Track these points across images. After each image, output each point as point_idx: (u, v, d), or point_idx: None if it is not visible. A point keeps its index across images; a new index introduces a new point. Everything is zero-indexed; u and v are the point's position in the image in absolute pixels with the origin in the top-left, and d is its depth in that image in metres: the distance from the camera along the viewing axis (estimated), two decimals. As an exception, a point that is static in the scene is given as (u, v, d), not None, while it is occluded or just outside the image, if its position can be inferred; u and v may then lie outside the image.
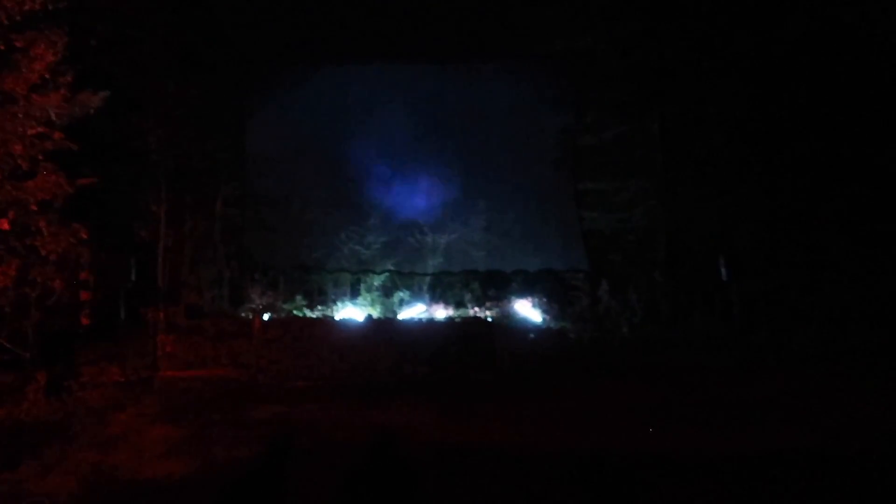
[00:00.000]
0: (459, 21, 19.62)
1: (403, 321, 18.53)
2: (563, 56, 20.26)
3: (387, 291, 20.02)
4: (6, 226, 10.17)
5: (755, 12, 14.61)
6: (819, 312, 13.00)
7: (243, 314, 18.41)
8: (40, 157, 10.60)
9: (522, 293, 19.61)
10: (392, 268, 20.74)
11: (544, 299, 19.29)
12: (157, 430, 8.08)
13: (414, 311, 19.42)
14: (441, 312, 19.34)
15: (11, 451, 6.61)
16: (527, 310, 19.14)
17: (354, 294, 20.03)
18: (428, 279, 20.48)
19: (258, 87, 21.34)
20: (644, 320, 16.56)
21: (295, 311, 18.80)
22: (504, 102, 21.16)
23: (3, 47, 9.89)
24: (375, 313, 18.88)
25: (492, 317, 18.75)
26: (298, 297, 19.37)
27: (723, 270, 13.45)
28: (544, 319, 18.58)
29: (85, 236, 10.96)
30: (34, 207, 10.32)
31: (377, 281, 20.17)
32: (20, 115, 9.94)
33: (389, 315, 18.99)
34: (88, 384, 10.41)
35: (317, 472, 6.61)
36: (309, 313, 18.98)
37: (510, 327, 16.93)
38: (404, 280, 20.44)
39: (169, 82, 17.18)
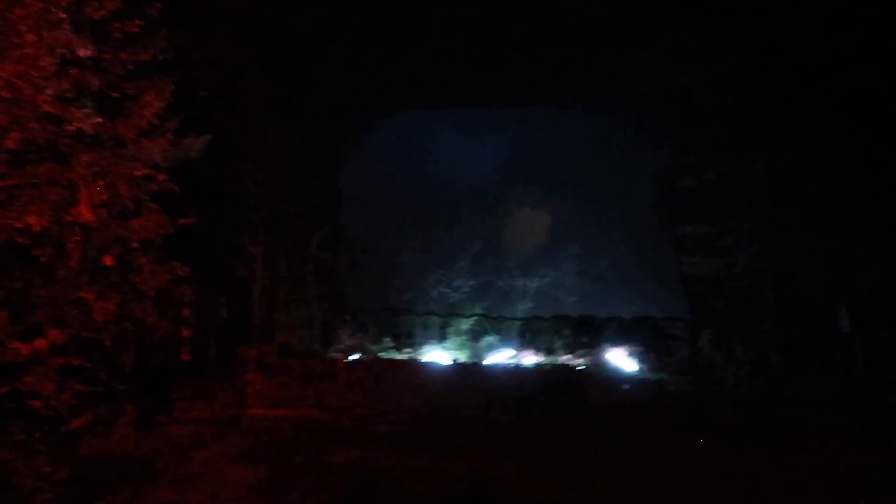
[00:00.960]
0: (548, 63, 19.47)
1: (490, 366, 18.03)
2: (658, 96, 19.64)
3: (475, 336, 19.63)
4: (110, 262, 10.65)
5: (863, 45, 13.54)
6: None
7: (332, 355, 18.54)
8: (145, 198, 11.13)
9: (617, 341, 18.69)
10: (481, 312, 20.38)
11: (640, 348, 18.29)
12: (237, 471, 8.00)
13: (502, 357, 18.90)
14: (530, 359, 18.71)
15: (92, 484, 6.65)
16: (621, 359, 18.19)
17: (442, 337, 19.78)
18: (517, 324, 19.94)
19: (352, 132, 21.88)
20: (751, 374, 15.27)
21: (382, 354, 18.73)
22: (597, 144, 20.63)
23: (117, 95, 10.51)
24: (463, 357, 18.51)
25: (583, 365, 17.94)
26: (386, 340, 19.33)
27: (844, 321, 12.14)
28: (640, 369, 17.58)
29: (183, 273, 11.31)
30: (136, 245, 10.77)
31: (465, 325, 19.85)
32: (128, 159, 10.47)
33: (477, 360, 18.56)
34: (178, 419, 10.58)
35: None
36: (396, 355, 18.86)
37: (602, 376, 16.07)
38: (493, 324, 20.01)
39: (267, 130, 17.94)
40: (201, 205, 13.39)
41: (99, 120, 9.63)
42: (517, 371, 17.11)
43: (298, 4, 18.85)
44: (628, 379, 16.41)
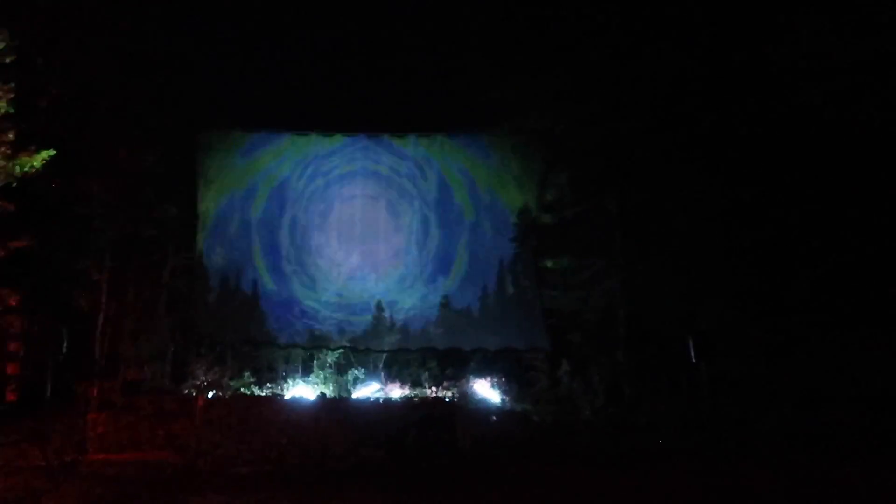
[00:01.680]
0: (416, 96, 19.95)
1: (358, 401, 17.63)
2: (524, 133, 20.55)
3: (340, 369, 19.16)
4: (-76, 290, 9.30)
5: (715, 93, 15.02)
6: (789, 393, 12.76)
7: (186, 391, 17.24)
8: (-29, 217, 9.88)
9: (481, 372, 19.00)
10: (346, 344, 19.94)
11: (503, 379, 18.71)
12: (77, 526, 7.09)
13: (369, 390, 18.55)
14: (397, 391, 18.52)
15: None
16: (486, 390, 18.48)
17: (306, 371, 19.11)
18: (384, 356, 19.74)
19: (213, 155, 20.89)
20: (607, 402, 16.07)
21: (243, 389, 17.72)
22: (464, 178, 21.21)
23: (-59, 100, 9.31)
24: (328, 392, 17.95)
25: (450, 397, 18.02)
26: (247, 374, 18.34)
27: (691, 351, 13.13)
28: (503, 400, 17.94)
29: (14, 303, 10.12)
30: (-41, 270, 9.50)
31: (330, 357, 19.32)
32: (-47, 172, 9.25)
33: (343, 394, 18.09)
34: (4, 469, 9.29)
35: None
36: (258, 391, 17.92)
37: (470, 408, 16.21)
38: (359, 357, 19.64)
39: (119, 146, 16.62)
40: (39, 226, 12.11)
41: (-82, 127, 8.43)
42: (386, 405, 16.84)
43: (163, 18, 17.86)
44: (495, 410, 16.68)
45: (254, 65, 19.70)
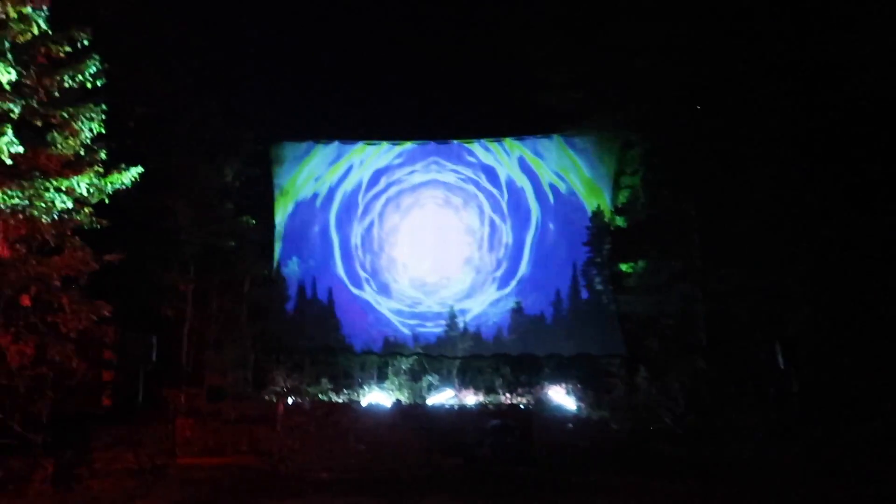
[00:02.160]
0: (486, 101, 19.88)
1: (433, 407, 17.70)
2: (595, 135, 20.20)
3: (415, 375, 19.27)
4: (27, 302, 9.89)
5: (802, 88, 14.29)
6: (887, 403, 11.94)
7: (267, 397, 17.78)
8: (68, 233, 10.45)
9: (556, 379, 18.74)
10: (420, 350, 20.08)
11: (579, 385, 18.39)
12: (168, 528, 7.37)
13: (443, 397, 18.59)
14: (471, 398, 18.49)
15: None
16: (561, 396, 18.21)
17: (381, 377, 19.34)
18: (457, 363, 19.74)
19: (287, 166, 21.52)
20: (687, 410, 15.47)
21: (320, 395, 18.11)
22: (536, 183, 21.05)
23: (40, 123, 9.89)
24: (403, 398, 18.10)
25: (525, 403, 17.85)
26: (324, 381, 18.72)
27: (779, 357, 12.47)
28: (579, 407, 17.63)
29: (108, 314, 10.62)
30: (58, 283, 10.06)
31: (405, 364, 19.47)
32: (52, 191, 9.80)
33: (417, 400, 18.19)
34: (100, 472, 9.77)
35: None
36: (334, 397, 18.28)
37: (545, 416, 15.97)
38: (433, 364, 19.72)
39: (199, 163, 17.35)
40: (129, 240, 12.70)
41: (20, 149, 8.98)
42: (460, 412, 16.84)
43: (230, 38, 18.57)
44: (571, 418, 16.39)
45: (324, 77, 20.15)
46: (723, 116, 15.90)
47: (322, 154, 21.76)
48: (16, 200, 9.23)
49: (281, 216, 21.39)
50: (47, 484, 8.51)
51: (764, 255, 14.81)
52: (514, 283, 20.99)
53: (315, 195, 21.71)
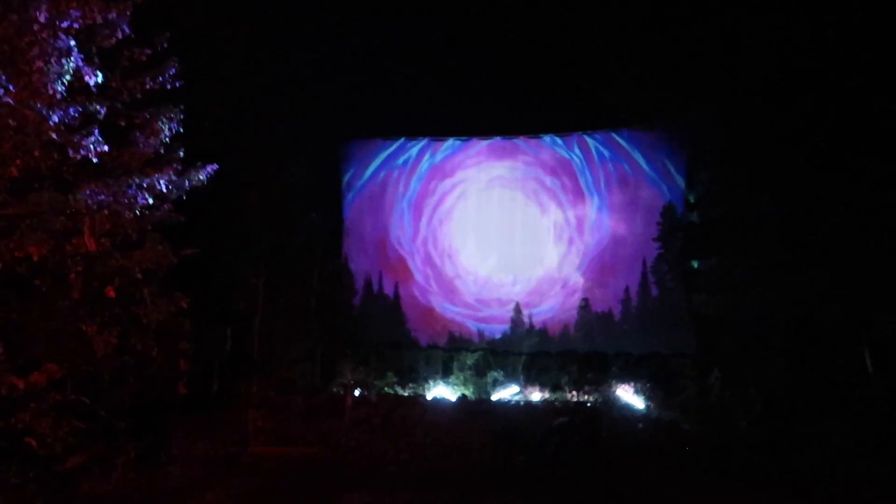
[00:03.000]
0: (556, 94, 19.52)
1: (498, 403, 17.63)
2: (667, 129, 19.62)
3: (479, 371, 19.24)
4: (112, 293, 10.34)
5: (882, 84, 13.48)
6: None
7: (334, 389, 18.11)
8: (149, 228, 10.87)
9: (624, 378, 18.34)
10: (486, 346, 20.03)
11: (648, 385, 17.94)
12: (242, 515, 7.58)
13: (507, 393, 18.50)
14: (536, 395, 18.32)
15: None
16: (629, 396, 17.82)
17: (446, 372, 19.39)
18: (523, 359, 19.59)
19: (354, 163, 21.83)
20: (764, 414, 14.84)
21: (386, 389, 18.32)
22: (606, 178, 20.62)
23: (123, 123, 10.31)
24: (468, 393, 18.09)
25: (592, 402, 17.56)
26: (389, 374, 18.93)
27: (867, 361, 11.76)
28: (648, 407, 17.20)
29: (185, 306, 11.00)
30: (139, 276, 10.47)
31: (470, 360, 19.47)
32: (134, 188, 10.20)
33: (483, 395, 18.16)
34: (178, 458, 10.15)
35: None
36: (400, 391, 18.46)
37: (614, 414, 15.64)
38: (498, 359, 19.64)
39: (269, 161, 17.78)
40: (205, 236, 13.12)
41: (105, 148, 9.38)
42: (527, 408, 16.72)
43: (298, 39, 18.90)
44: (640, 418, 16.01)
45: (391, 75, 20.25)
46: (804, 111, 15.11)
47: (389, 151, 21.95)
48: (101, 197, 9.64)
49: (348, 212, 21.72)
50: (129, 468, 8.89)
51: (850, 255, 13.99)
52: (581, 279, 20.65)
53: (382, 191, 21.92)
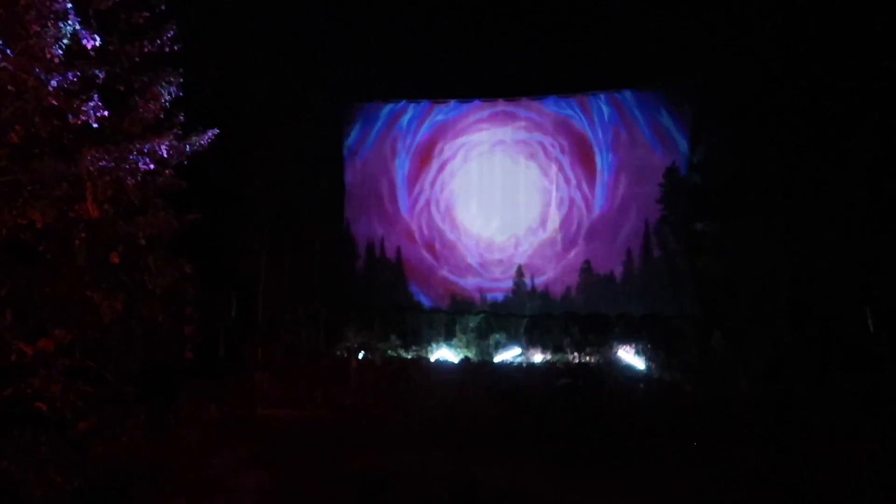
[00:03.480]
0: (560, 55, 19.20)
1: (502, 365, 17.81)
2: (672, 89, 19.40)
3: (482, 333, 19.40)
4: (116, 259, 10.36)
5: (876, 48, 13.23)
6: None
7: (338, 353, 18.29)
8: (151, 194, 10.83)
9: (625, 339, 18.48)
10: (488, 309, 20.16)
11: (649, 346, 18.08)
12: (251, 477, 7.73)
13: (510, 355, 18.67)
14: (538, 356, 18.49)
15: (105, 493, 6.38)
16: (630, 357, 17.98)
17: (449, 335, 19.54)
18: (525, 321, 19.72)
19: (356, 126, 21.65)
20: (766, 375, 14.97)
21: (390, 352, 18.49)
22: (609, 138, 20.48)
23: (123, 88, 10.19)
24: (471, 355, 18.27)
25: (592, 363, 17.73)
26: (393, 337, 19.08)
27: (869, 321, 11.82)
28: (648, 367, 17.36)
29: (190, 272, 11.02)
30: (143, 242, 10.48)
31: (472, 322, 19.61)
32: (135, 154, 10.14)
33: (485, 358, 18.33)
34: (186, 421, 10.30)
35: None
36: (403, 354, 18.63)
37: (615, 375, 15.80)
38: (500, 322, 19.77)
39: (272, 126, 17.64)
40: (207, 202, 13.08)
41: (105, 113, 9.29)
42: (528, 370, 16.89)
43: (300, 5, 18.55)
44: (642, 378, 16.17)
45: (392, 38, 19.93)
46: (813, 71, 14.87)
47: (389, 113, 21.76)
48: (103, 164, 9.58)
49: (350, 176, 21.63)
50: (139, 431, 9.03)
51: (855, 216, 13.93)
52: (583, 241, 20.66)
53: (384, 155, 21.81)
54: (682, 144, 19.45)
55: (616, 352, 18.23)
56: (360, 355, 17.64)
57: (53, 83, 8.55)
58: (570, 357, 18.42)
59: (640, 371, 17.16)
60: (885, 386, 11.92)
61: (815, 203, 14.93)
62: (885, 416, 10.78)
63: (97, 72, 9.19)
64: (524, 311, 20.04)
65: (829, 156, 14.48)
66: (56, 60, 8.49)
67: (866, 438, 10.01)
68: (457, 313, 20.15)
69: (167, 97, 10.40)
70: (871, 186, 13.82)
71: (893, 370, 12.10)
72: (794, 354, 14.81)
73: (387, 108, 21.74)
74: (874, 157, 13.69)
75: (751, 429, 11.06)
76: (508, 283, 20.60)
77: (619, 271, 20.28)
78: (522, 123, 21.08)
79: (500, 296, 20.54)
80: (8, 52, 7.88)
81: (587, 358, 18.21)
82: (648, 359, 17.77)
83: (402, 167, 21.75)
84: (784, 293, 16.09)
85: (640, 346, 18.19)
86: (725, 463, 9.04)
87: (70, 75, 8.68)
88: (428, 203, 21.53)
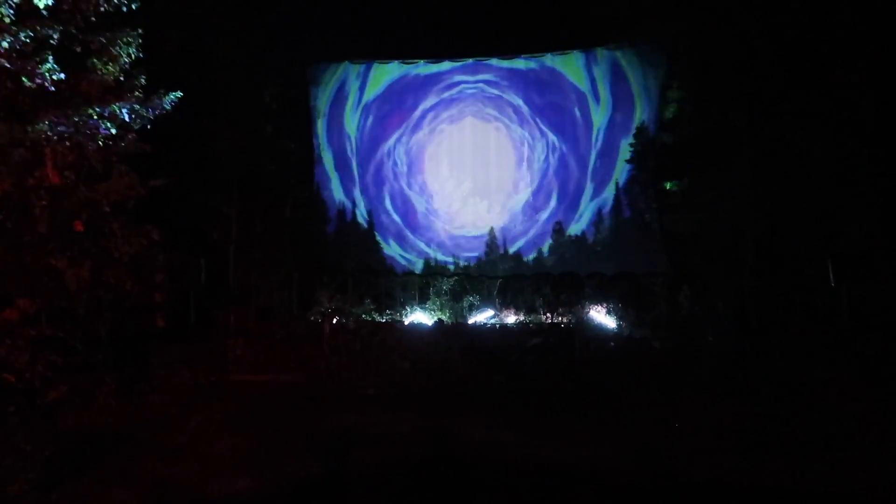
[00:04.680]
0: (528, 11, 18.97)
1: (474, 326, 17.98)
2: (640, 47, 19.37)
3: (456, 296, 19.52)
4: (80, 227, 10.15)
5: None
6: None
7: (312, 318, 18.28)
8: (114, 159, 10.57)
9: (597, 298, 18.74)
10: (461, 271, 20.25)
11: (620, 305, 18.38)
12: (225, 441, 7.76)
13: (484, 316, 18.84)
14: (512, 318, 18.69)
15: (76, 460, 6.37)
16: (602, 316, 18.26)
17: (423, 298, 19.64)
18: (498, 283, 19.88)
19: (324, 87, 21.27)
20: (731, 328, 15.37)
21: (364, 315, 18.53)
22: (578, 97, 20.45)
23: (79, 49, 9.84)
24: (445, 318, 18.40)
25: (565, 323, 17.99)
26: (367, 301, 19.11)
27: (830, 274, 12.13)
28: (620, 326, 17.68)
29: (157, 238, 10.85)
30: (107, 209, 10.27)
31: (446, 285, 19.70)
32: (95, 117, 9.85)
33: (459, 320, 18.48)
34: (159, 388, 10.27)
35: (388, 494, 6.11)
36: (377, 317, 18.69)
37: (587, 334, 16.06)
38: (473, 284, 19.90)
39: (239, 86, 17.25)
40: (173, 166, 12.82)
41: (61, 75, 8.99)
42: (501, 331, 17.07)
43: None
44: (612, 336, 16.48)
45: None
46: (779, 26, 14.94)
47: (357, 74, 21.42)
48: (62, 128, 9.31)
49: (319, 138, 21.34)
50: (111, 399, 8.99)
51: (817, 169, 14.21)
52: (554, 202, 20.78)
53: (352, 116, 21.55)
54: (652, 103, 19.50)
55: (588, 312, 18.47)
56: (335, 319, 17.65)
57: (4, 44, 8.25)
58: (543, 318, 18.64)
59: (611, 329, 17.46)
60: (844, 337, 12.30)
61: (780, 158, 15.14)
62: (843, 367, 11.15)
63: (50, 31, 8.87)
64: (497, 273, 20.18)
65: (794, 110, 14.64)
66: (6, 20, 8.18)
67: (827, 387, 10.35)
68: (430, 276, 20.21)
69: (126, 59, 10.10)
70: (836, 139, 14.04)
71: (852, 321, 12.47)
72: (760, 308, 15.19)
73: (354, 69, 21.38)
74: (838, 111, 13.87)
75: (716, 380, 11.37)
76: (480, 245, 20.69)
77: (590, 232, 20.48)
78: (492, 82, 20.93)
79: (472, 258, 20.64)
80: (-46, 11, 7.55)
81: (559, 318, 18.45)
82: (619, 317, 18.05)
83: (370, 128, 21.53)
84: (750, 248, 16.43)
85: (611, 306, 18.45)
86: (692, 413, 9.29)
87: (22, 35, 8.37)
88: (398, 166, 21.41)
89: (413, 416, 9.15)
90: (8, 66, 8.41)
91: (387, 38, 20.25)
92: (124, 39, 10.00)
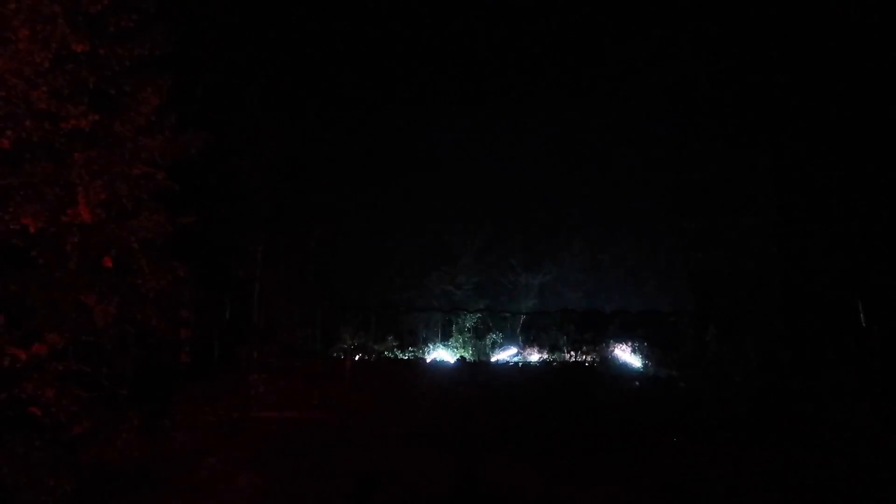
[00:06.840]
0: (549, 57, 19.26)
1: (497, 364, 17.82)
2: (665, 87, 19.46)
3: (478, 333, 19.42)
4: (109, 263, 10.33)
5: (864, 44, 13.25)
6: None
7: (335, 354, 18.28)
8: (144, 197, 10.79)
9: (622, 336, 18.51)
10: (484, 308, 20.18)
11: (645, 343, 18.12)
12: (245, 478, 7.74)
13: (507, 354, 18.68)
14: (535, 356, 18.51)
15: (97, 495, 6.38)
16: (626, 355, 18.01)
17: (445, 335, 19.56)
18: (522, 319, 19.74)
19: (353, 129, 21.65)
20: (760, 369, 15.02)
21: (386, 353, 18.49)
22: (601, 138, 20.56)
23: (114, 91, 10.16)
24: (467, 355, 18.28)
25: (589, 361, 17.76)
26: (390, 338, 19.09)
27: (860, 314, 11.85)
28: (646, 365, 17.39)
29: (183, 274, 10.98)
30: (136, 245, 10.44)
31: (469, 322, 19.62)
32: (127, 157, 10.11)
33: (482, 358, 18.35)
34: (181, 424, 10.29)
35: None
36: (400, 354, 18.63)
37: (612, 374, 15.82)
38: (497, 321, 19.80)
39: (265, 127, 17.64)
40: (201, 204, 13.06)
41: (95, 117, 9.27)
42: (525, 369, 16.89)
43: (293, 7, 18.55)
44: (637, 376, 16.20)
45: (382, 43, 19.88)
46: (801, 60, 14.92)
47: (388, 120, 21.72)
48: (95, 167, 9.56)
49: (347, 178, 21.58)
50: (133, 434, 9.00)
51: (845, 209, 13.97)
52: (577, 240, 20.74)
53: (380, 158, 21.77)
54: (674, 141, 19.51)
55: (612, 350, 18.24)
56: (357, 357, 17.63)
57: (43, 87, 8.55)
58: (567, 356, 18.43)
59: (637, 368, 17.19)
60: (877, 379, 11.94)
61: (807, 198, 14.95)
62: (875, 409, 10.80)
63: (87, 75, 9.18)
64: (520, 310, 20.07)
65: (820, 150, 14.50)
66: (45, 64, 8.49)
67: (859, 430, 10.01)
68: (453, 312, 20.15)
69: (158, 100, 10.39)
70: (864, 181, 13.85)
71: (884, 363, 12.11)
72: (788, 348, 14.85)
73: (387, 111, 21.70)
74: (866, 152, 13.71)
75: (744, 422, 11.07)
76: (506, 283, 20.65)
77: (615, 268, 20.33)
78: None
79: (496, 295, 20.55)
80: (-3, 56, 7.87)
81: (584, 357, 18.23)
82: (645, 356, 17.78)
83: (401, 169, 21.74)
84: (777, 287, 16.14)
85: (637, 344, 18.21)
86: (718, 456, 9.05)
87: (60, 79, 8.68)
88: (422, 205, 21.54)
89: (435, 455, 9.04)
90: (45, 108, 8.70)
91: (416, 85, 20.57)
92: (156, 82, 10.33)
